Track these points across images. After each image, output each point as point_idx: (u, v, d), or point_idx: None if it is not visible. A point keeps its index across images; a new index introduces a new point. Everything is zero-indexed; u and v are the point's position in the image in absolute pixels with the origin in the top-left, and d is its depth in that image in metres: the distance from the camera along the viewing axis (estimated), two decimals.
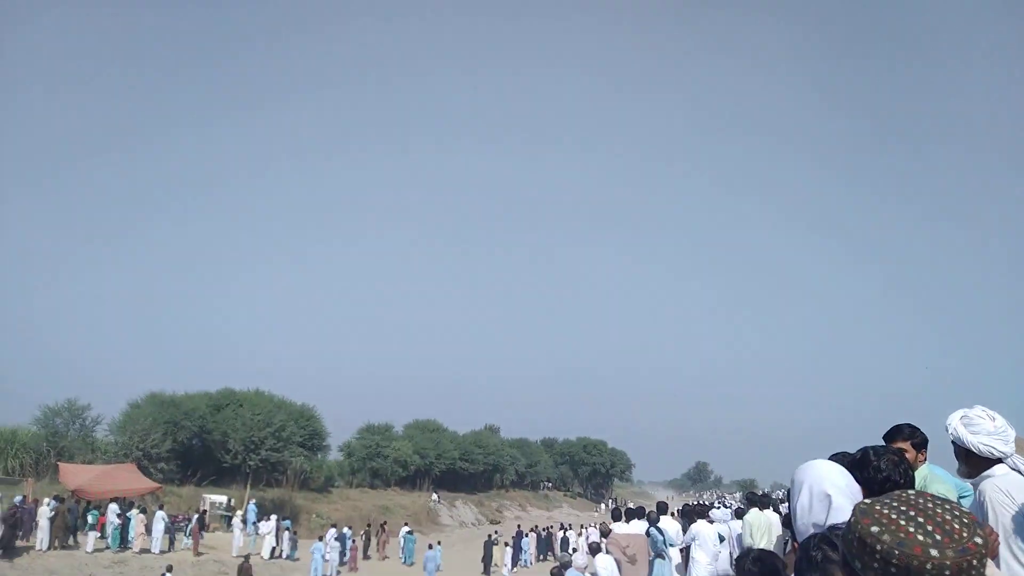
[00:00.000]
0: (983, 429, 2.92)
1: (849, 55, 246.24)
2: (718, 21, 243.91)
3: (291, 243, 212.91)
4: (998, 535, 2.63)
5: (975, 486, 2.97)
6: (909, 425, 3.71)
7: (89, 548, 21.85)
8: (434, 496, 52.14)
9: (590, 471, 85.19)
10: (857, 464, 2.63)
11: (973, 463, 2.95)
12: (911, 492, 1.39)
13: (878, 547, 1.29)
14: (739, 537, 11.92)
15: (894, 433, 3.67)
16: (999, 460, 2.89)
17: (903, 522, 1.30)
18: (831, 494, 2.16)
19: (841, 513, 2.13)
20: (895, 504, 1.35)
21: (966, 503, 3.86)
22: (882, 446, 3.08)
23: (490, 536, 31.21)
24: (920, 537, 1.26)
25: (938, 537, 1.26)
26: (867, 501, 1.42)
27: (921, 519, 1.29)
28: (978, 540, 1.26)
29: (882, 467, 2.56)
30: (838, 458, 3.59)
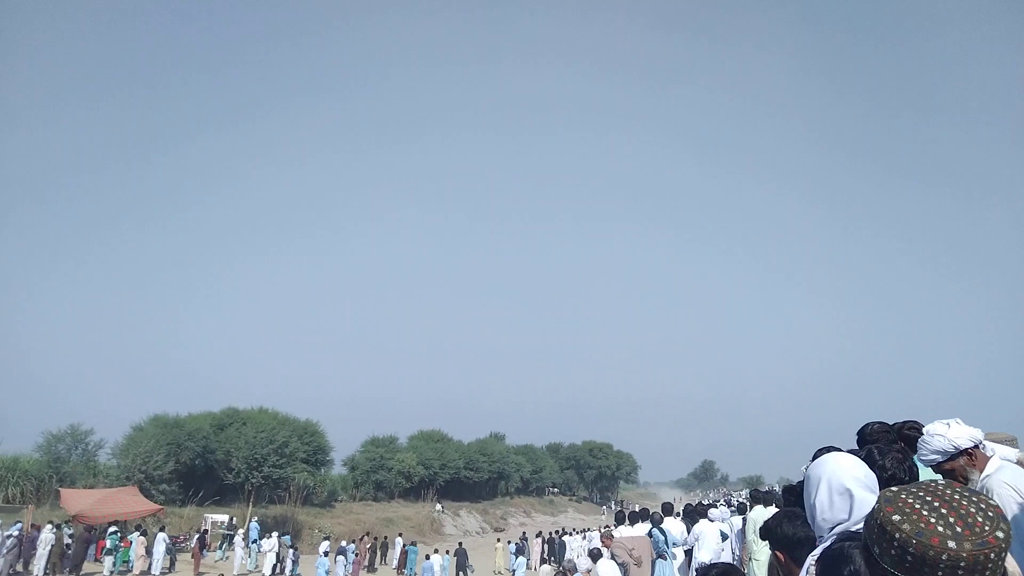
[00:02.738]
0: (942, 438, 3.16)
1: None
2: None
3: (292, 258, 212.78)
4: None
5: (983, 488, 3.03)
6: (914, 422, 3.80)
7: (107, 572, 21.81)
8: (438, 506, 51.95)
9: (596, 474, 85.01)
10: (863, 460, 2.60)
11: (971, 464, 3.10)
12: (940, 482, 1.38)
13: (897, 535, 1.30)
14: (741, 533, 11.88)
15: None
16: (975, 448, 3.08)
17: (925, 512, 1.30)
18: (851, 488, 2.06)
19: (865, 506, 2.03)
20: (921, 494, 1.35)
21: None
22: (886, 444, 3.06)
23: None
24: (940, 528, 1.26)
25: (958, 529, 1.26)
26: (894, 489, 1.41)
27: (944, 510, 1.29)
28: (999, 535, 1.25)
29: (887, 465, 2.52)
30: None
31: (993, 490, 2.86)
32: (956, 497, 1.31)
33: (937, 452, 3.17)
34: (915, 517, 1.29)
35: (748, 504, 13.21)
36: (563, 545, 33.67)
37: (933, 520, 1.27)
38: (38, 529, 21.67)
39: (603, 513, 71.39)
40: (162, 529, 24.62)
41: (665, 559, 11.70)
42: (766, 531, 2.87)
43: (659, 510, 13.32)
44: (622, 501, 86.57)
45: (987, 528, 1.25)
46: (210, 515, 31.30)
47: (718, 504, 19.10)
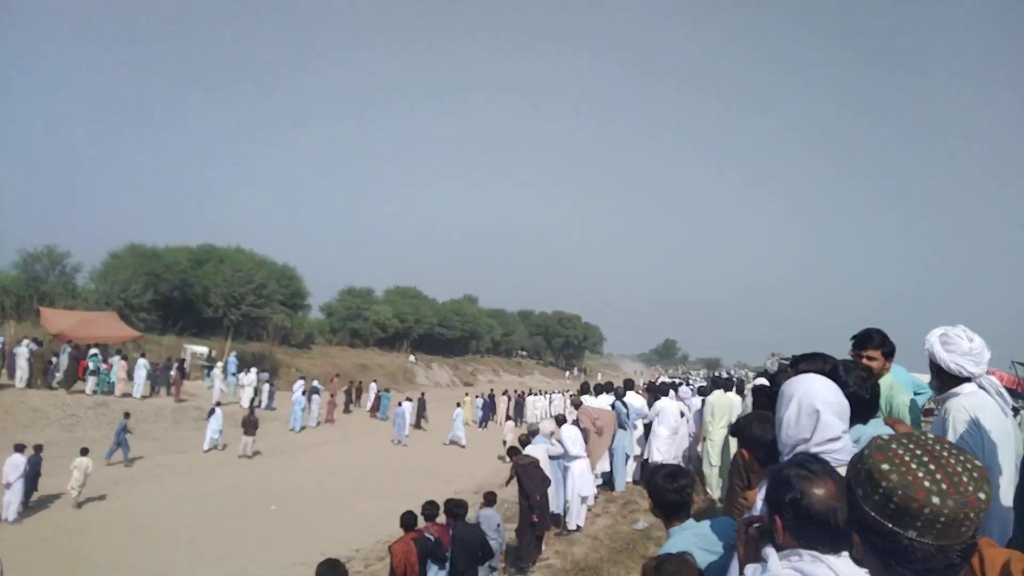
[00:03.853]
0: (958, 348, 2.96)
1: None
2: None
3: (283, 97, 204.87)
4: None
5: (941, 402, 3.03)
6: (880, 332, 3.74)
7: (89, 391, 22.45)
8: (411, 357, 53.74)
9: (563, 342, 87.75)
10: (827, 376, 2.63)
11: (944, 379, 3.00)
12: (931, 436, 1.43)
13: (884, 483, 1.36)
14: (698, 414, 12.59)
15: (864, 340, 3.72)
16: (967, 379, 2.94)
17: (914, 466, 1.35)
18: (820, 410, 2.14)
19: (829, 430, 2.14)
20: (911, 446, 1.40)
21: (921, 400, 4.03)
22: (851, 361, 3.14)
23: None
24: (926, 484, 1.32)
25: (944, 486, 1.31)
26: (884, 437, 1.47)
27: (933, 466, 1.34)
28: (981, 496, 1.32)
29: (850, 383, 2.59)
30: (810, 361, 3.65)
31: (950, 411, 2.89)
32: (945, 454, 1.37)
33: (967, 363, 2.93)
34: (903, 469, 1.35)
35: (708, 387, 13.90)
36: (520, 404, 35.50)
37: (921, 475, 1.33)
38: (18, 342, 22.10)
39: (567, 378, 74.46)
40: (143, 355, 25.23)
41: (625, 430, 12.42)
42: (736, 429, 3.04)
43: (622, 384, 13.96)
44: (586, 369, 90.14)
45: (971, 488, 1.31)
46: (189, 346, 31.98)
47: (681, 385, 19.98)
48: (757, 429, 2.79)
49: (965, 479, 1.32)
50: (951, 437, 2.81)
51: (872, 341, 3.70)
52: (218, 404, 21.51)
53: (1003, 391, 3.00)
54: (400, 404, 26.86)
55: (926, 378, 3.52)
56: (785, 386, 2.31)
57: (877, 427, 2.77)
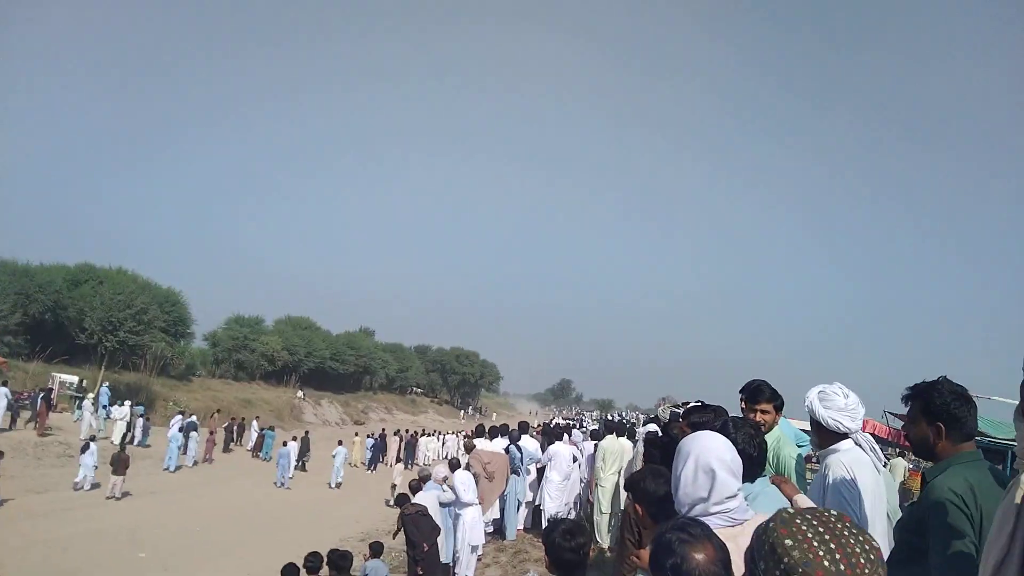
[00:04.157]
0: (835, 405, 3.08)
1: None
2: None
3: (172, 102, 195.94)
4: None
5: (822, 459, 3.16)
6: (769, 385, 3.86)
7: None
8: (299, 393, 51.71)
9: (460, 380, 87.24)
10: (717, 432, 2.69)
11: (823, 435, 3.13)
12: (833, 513, 1.46)
13: (785, 559, 1.38)
14: (591, 459, 12.67)
15: (756, 394, 3.81)
16: (845, 435, 3.09)
17: (816, 543, 1.38)
18: (715, 468, 2.18)
19: (725, 488, 2.18)
20: (815, 523, 1.43)
21: (804, 451, 4.21)
22: (740, 419, 3.22)
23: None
24: (826, 563, 1.34)
25: (842, 567, 1.34)
26: (789, 511, 1.50)
27: (833, 545, 1.37)
28: None
29: (739, 440, 2.65)
30: (701, 412, 3.70)
31: (830, 467, 3.01)
32: (846, 534, 1.40)
33: (843, 420, 3.05)
34: (806, 546, 1.37)
35: (601, 431, 14.06)
36: (412, 444, 34.77)
37: (822, 553, 1.35)
38: None
39: (462, 417, 73.86)
40: (4, 383, 23.01)
41: (519, 475, 12.34)
42: (630, 484, 3.05)
43: (517, 428, 13.90)
44: (481, 408, 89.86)
45: (867, 570, 1.35)
46: (58, 374, 29.50)
47: (575, 427, 20.16)
48: (651, 484, 2.82)
49: (863, 560, 1.35)
50: (830, 492, 2.96)
51: (763, 395, 3.80)
52: (92, 439, 19.89)
53: (876, 447, 3.18)
54: (285, 444, 25.73)
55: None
56: (682, 444, 2.35)
57: (764, 485, 2.87)
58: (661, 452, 4.42)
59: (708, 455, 2.20)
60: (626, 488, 3.34)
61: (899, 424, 16.47)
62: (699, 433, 2.37)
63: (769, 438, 3.43)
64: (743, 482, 2.49)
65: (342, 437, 33.14)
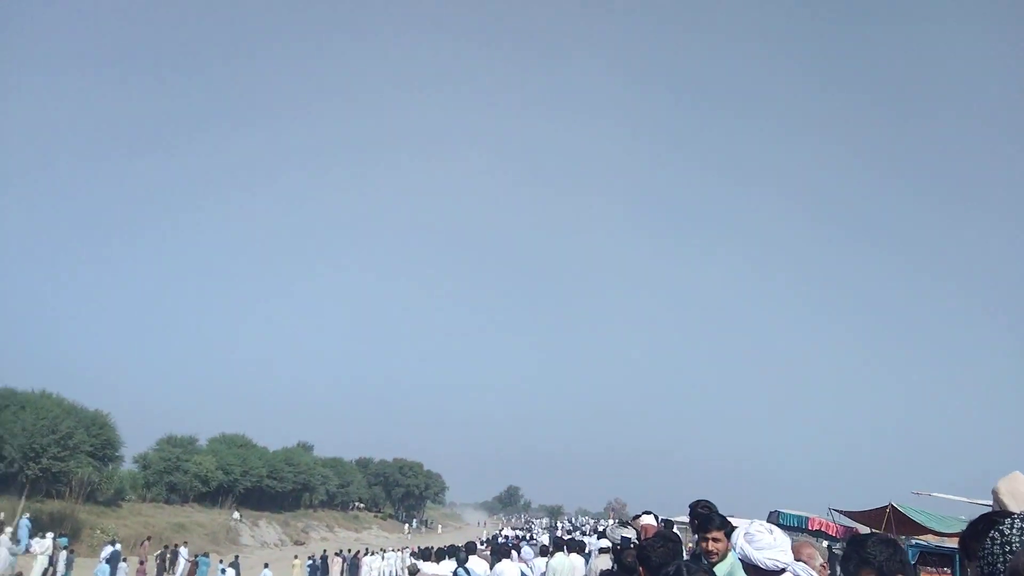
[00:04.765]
0: (764, 543, 3.18)
1: None
2: None
3: (91, 222, 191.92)
4: None
5: None
6: (718, 513, 3.99)
7: None
8: (235, 514, 49.44)
9: (404, 492, 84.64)
10: None
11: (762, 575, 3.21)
12: None
13: None
14: None
15: (707, 523, 3.86)
16: (783, 570, 3.17)
17: None
18: None
19: None
20: None
21: None
22: (695, 564, 3.25)
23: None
24: None
25: None
26: None
27: None
28: None
29: None
30: (656, 548, 3.78)
31: None
32: None
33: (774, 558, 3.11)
34: None
35: (551, 547, 14.17)
36: (355, 565, 33.54)
37: None
38: None
39: (407, 532, 71.31)
40: None
41: None
42: None
43: (464, 548, 13.85)
44: (427, 520, 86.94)
45: None
46: None
47: (524, 542, 20.14)
48: None
49: None
50: None
51: (713, 523, 3.82)
52: None
53: (812, 573, 3.31)
54: (223, 572, 24.64)
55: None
56: None
57: None
58: None
59: None
60: None
61: (846, 521, 16.85)
62: None
63: (721, 569, 3.49)
64: None
65: (281, 559, 31.78)
